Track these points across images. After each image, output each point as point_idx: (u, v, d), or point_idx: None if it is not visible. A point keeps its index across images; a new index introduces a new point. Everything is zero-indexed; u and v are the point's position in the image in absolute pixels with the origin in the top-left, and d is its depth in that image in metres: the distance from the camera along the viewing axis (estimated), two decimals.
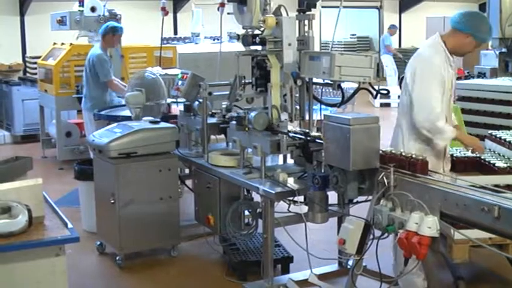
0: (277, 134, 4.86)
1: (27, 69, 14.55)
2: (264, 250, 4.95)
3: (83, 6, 9.01)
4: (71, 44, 9.68)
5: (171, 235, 5.76)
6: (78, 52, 9.38)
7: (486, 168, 4.87)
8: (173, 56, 9.81)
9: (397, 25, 21.43)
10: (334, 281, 5.14)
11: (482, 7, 18.62)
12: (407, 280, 4.54)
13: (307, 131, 4.83)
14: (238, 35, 5.11)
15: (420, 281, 4.64)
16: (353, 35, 21.70)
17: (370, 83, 4.90)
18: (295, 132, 4.86)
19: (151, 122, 5.84)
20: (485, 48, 9.83)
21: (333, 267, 5.43)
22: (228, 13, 5.35)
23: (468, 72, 11.68)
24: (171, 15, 16.46)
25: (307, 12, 5.00)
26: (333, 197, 4.45)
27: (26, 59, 14.88)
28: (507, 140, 5.08)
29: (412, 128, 4.62)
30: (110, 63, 8.13)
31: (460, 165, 4.95)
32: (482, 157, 4.97)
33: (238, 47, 5.28)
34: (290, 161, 5.40)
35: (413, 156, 3.83)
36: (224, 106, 5.71)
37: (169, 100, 6.62)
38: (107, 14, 8.98)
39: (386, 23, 20.00)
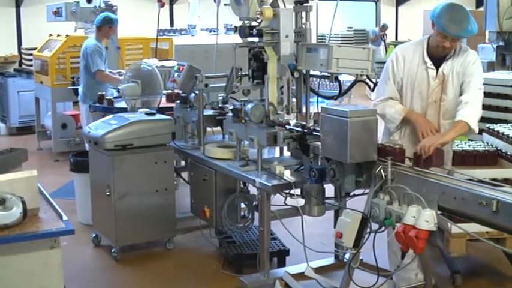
0: (273, 126, 4.84)
1: (23, 61, 14.49)
2: (260, 243, 4.94)
3: None
4: (66, 35, 9.66)
5: (167, 228, 5.74)
6: (73, 43, 9.35)
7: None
8: (169, 48, 9.78)
9: (394, 18, 21.44)
10: (331, 274, 5.13)
11: (480, 1, 18.60)
12: (402, 274, 4.53)
13: (304, 123, 4.80)
14: (235, 27, 5.09)
15: (416, 275, 4.63)
16: (350, 27, 21.64)
17: (367, 76, 4.88)
18: (292, 125, 4.84)
19: (147, 113, 5.81)
20: (483, 42, 9.80)
21: (330, 260, 5.42)
22: (225, 4, 5.32)
23: None
24: (167, 6, 16.39)
25: (305, 4, 4.98)
26: (329, 190, 4.43)
27: (22, 50, 14.81)
28: (505, 133, 5.06)
29: None
30: (105, 54, 8.08)
31: (481, 159, 4.95)
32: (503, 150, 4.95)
33: (235, 38, 5.26)
34: (287, 153, 5.39)
35: (391, 145, 3.88)
36: (221, 98, 5.69)
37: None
38: (102, 5, 8.93)
39: (383, 16, 19.96)
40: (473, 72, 4.48)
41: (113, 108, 7.03)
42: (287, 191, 4.74)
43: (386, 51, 18.45)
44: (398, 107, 4.54)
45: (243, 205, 5.43)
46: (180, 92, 6.01)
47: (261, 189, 4.71)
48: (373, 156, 3.90)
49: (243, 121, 4.96)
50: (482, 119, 5.88)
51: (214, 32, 8.76)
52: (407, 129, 4.59)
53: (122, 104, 6.91)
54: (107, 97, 7.38)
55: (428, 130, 4.37)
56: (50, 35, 10.34)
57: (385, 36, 18.90)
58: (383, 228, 3.74)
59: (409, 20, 21.12)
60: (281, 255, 5.41)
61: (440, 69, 4.48)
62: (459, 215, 3.50)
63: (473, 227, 3.69)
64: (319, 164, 4.35)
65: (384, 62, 4.78)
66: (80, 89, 8.26)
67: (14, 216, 3.40)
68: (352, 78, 5.09)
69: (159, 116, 5.82)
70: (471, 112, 4.34)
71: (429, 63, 4.48)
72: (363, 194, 4.13)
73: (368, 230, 3.79)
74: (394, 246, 4.18)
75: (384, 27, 18.97)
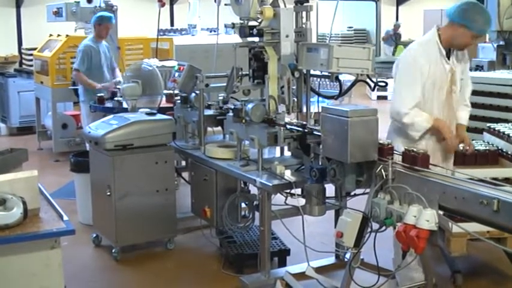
0: (274, 126, 4.84)
1: (23, 61, 14.49)
2: (260, 243, 4.93)
3: None
4: (67, 35, 9.66)
5: (168, 228, 5.74)
6: (74, 44, 9.34)
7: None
8: (170, 48, 9.78)
9: (394, 18, 21.46)
10: (332, 274, 5.12)
11: (480, 0, 18.59)
12: (404, 274, 4.53)
13: (304, 123, 4.80)
14: (233, 24, 5.08)
15: (417, 275, 4.62)
16: (350, 27, 21.66)
17: (368, 75, 4.87)
18: (293, 125, 4.84)
19: (148, 113, 5.81)
20: (483, 41, 9.80)
21: (330, 260, 5.42)
22: (225, 4, 5.32)
23: None
24: (167, 6, 16.39)
25: (305, 4, 4.97)
26: (330, 189, 4.43)
27: (22, 50, 14.81)
28: (506, 133, 5.06)
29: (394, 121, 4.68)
30: (100, 55, 8.08)
31: (482, 159, 4.95)
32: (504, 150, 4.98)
33: (235, 38, 5.25)
34: (287, 153, 5.39)
35: (414, 149, 3.80)
36: (221, 98, 5.69)
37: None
38: (103, 5, 8.93)
39: (383, 16, 19.94)
40: (467, 71, 4.79)
41: (113, 108, 7.03)
42: (288, 191, 4.74)
43: (396, 50, 18.48)
44: (425, 114, 4.54)
45: (243, 205, 5.42)
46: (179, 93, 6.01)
47: (262, 189, 4.70)
48: (373, 155, 3.90)
49: (244, 121, 4.95)
50: (483, 119, 5.91)
51: (215, 31, 8.76)
52: (430, 136, 4.62)
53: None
54: (98, 95, 7.39)
55: (451, 134, 4.57)
56: (50, 35, 10.35)
57: (398, 38, 18.89)
58: (384, 227, 3.73)
59: (409, 19, 21.12)
60: (282, 255, 5.40)
61: (450, 61, 4.58)
62: (460, 215, 3.50)
63: (474, 227, 3.68)
64: (320, 163, 4.35)
65: (393, 62, 4.76)
66: (79, 89, 8.27)
67: (14, 217, 3.40)
68: (353, 77, 5.09)
69: (159, 116, 5.81)
70: (468, 116, 4.82)
71: (446, 58, 4.57)
72: (363, 193, 4.13)
73: (369, 229, 3.79)
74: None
75: (396, 26, 19.02)
